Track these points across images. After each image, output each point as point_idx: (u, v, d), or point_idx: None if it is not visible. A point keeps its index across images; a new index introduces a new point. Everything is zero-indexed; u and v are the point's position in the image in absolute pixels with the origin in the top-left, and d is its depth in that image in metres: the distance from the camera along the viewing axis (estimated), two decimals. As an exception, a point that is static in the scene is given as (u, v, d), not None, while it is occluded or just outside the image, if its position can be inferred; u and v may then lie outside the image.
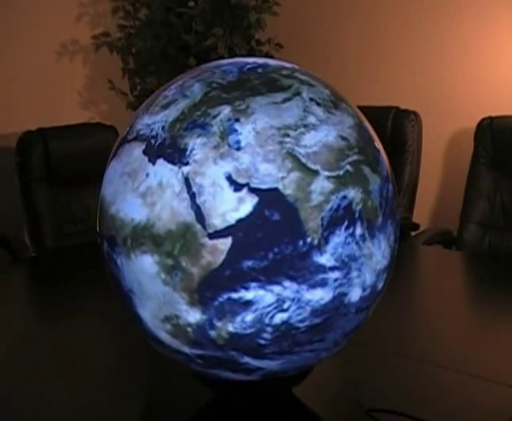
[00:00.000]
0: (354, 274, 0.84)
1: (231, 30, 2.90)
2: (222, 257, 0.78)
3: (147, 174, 0.82)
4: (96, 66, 3.18)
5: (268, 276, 0.79)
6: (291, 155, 0.80)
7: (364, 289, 0.87)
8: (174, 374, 1.13)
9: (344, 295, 0.84)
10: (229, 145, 0.80)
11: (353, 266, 0.83)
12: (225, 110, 0.82)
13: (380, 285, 0.91)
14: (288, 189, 0.79)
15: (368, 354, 1.24)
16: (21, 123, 2.53)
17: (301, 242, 0.79)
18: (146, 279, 0.83)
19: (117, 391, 1.15)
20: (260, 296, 0.80)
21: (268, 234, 0.78)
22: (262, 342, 0.83)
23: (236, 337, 0.82)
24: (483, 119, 2.37)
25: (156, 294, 0.83)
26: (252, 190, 0.78)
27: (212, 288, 0.80)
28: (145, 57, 3.01)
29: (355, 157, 0.85)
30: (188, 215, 0.79)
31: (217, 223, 0.78)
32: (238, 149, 0.80)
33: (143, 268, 0.83)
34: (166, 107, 0.87)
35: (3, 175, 2.58)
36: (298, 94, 0.86)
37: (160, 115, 0.86)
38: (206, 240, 0.78)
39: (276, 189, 0.79)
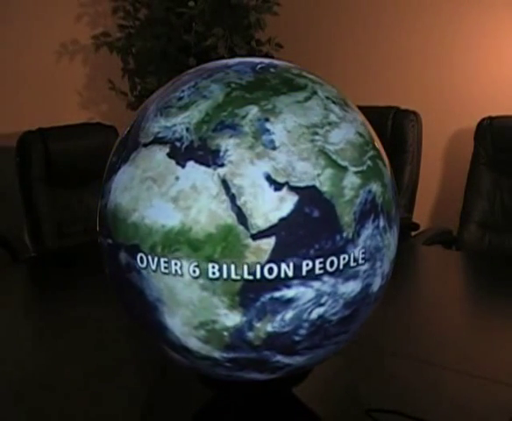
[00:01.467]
0: (378, 264, 0.87)
1: (231, 30, 2.90)
2: (265, 257, 0.78)
3: (177, 178, 0.80)
4: (96, 66, 3.18)
5: (309, 273, 0.80)
6: (323, 153, 0.81)
7: (382, 279, 0.90)
8: (174, 374, 1.13)
9: (370, 285, 0.87)
10: (263, 144, 0.80)
11: (378, 257, 0.87)
12: (253, 111, 0.82)
13: (390, 274, 0.94)
14: (324, 185, 0.80)
15: (368, 354, 1.24)
16: (21, 123, 2.53)
17: (338, 237, 0.81)
18: (180, 286, 0.81)
19: (117, 392, 1.15)
20: (301, 292, 0.80)
21: (309, 231, 0.79)
22: (297, 339, 0.84)
23: (273, 336, 0.82)
24: (483, 119, 2.37)
25: (191, 300, 0.81)
26: (292, 189, 0.79)
27: (255, 290, 0.79)
28: (145, 57, 3.01)
29: (371, 152, 0.88)
30: (228, 217, 0.78)
31: (260, 223, 0.78)
32: (274, 149, 0.80)
33: (177, 275, 0.80)
34: (184, 108, 0.85)
35: (3, 175, 2.58)
36: (315, 93, 0.87)
37: (179, 117, 0.84)
38: (249, 241, 0.78)
39: (314, 187, 0.80)
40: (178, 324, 0.84)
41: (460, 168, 2.51)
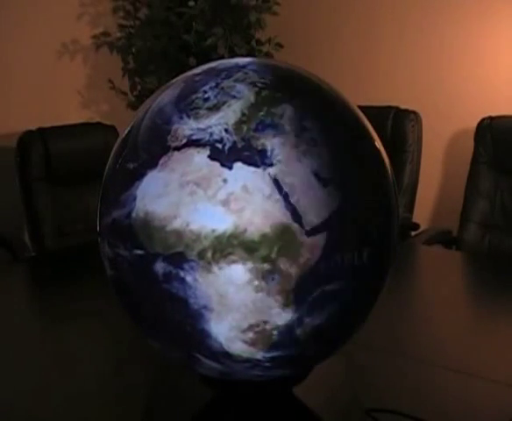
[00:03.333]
0: (392, 250, 0.91)
1: (231, 30, 2.90)
2: (319, 252, 0.79)
3: (225, 180, 0.79)
4: (96, 66, 3.18)
5: (356, 263, 0.83)
6: None
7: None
8: (174, 374, 1.14)
9: (388, 270, 0.91)
10: (306, 142, 0.81)
11: (393, 243, 0.90)
12: (288, 109, 0.83)
13: None
14: None
15: (368, 354, 1.24)
16: (21, 123, 2.53)
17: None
18: (233, 290, 0.79)
19: (117, 392, 1.15)
20: (348, 283, 0.83)
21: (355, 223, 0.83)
22: (336, 330, 0.86)
23: (318, 329, 0.83)
24: (483, 119, 2.37)
25: (243, 303, 0.80)
26: (337, 183, 0.81)
27: (309, 285, 0.80)
28: (145, 57, 3.01)
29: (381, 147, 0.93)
30: (283, 216, 0.78)
31: (314, 219, 0.79)
32: (315, 146, 0.81)
33: (230, 280, 0.79)
34: (216, 109, 0.83)
35: (3, 175, 2.58)
36: (327, 90, 0.90)
37: (213, 118, 0.82)
38: (304, 238, 0.79)
39: None
40: (225, 329, 0.82)
41: (460, 168, 2.51)
